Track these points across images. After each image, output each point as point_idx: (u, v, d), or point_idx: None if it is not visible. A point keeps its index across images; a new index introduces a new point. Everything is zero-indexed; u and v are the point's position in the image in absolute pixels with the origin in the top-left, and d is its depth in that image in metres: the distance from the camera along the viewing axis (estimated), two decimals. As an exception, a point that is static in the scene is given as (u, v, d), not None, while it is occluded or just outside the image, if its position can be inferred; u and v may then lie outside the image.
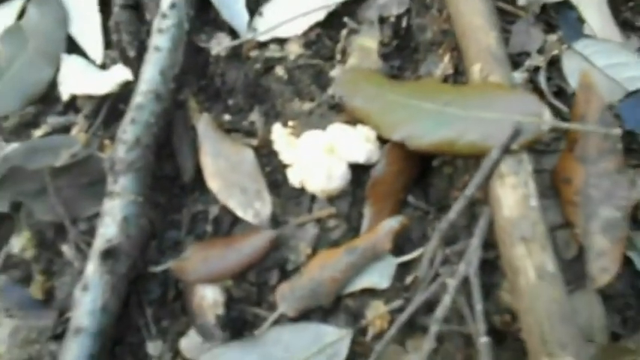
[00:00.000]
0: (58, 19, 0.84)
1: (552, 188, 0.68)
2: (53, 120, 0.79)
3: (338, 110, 0.76)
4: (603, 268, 0.59)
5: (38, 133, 0.78)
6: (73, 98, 0.79)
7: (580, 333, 0.54)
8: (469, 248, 0.62)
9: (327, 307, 0.67)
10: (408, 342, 0.65)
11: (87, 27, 0.83)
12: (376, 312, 0.66)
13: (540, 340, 0.54)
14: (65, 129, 0.78)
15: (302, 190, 0.73)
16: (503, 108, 0.64)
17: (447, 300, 0.60)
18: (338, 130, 0.72)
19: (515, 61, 0.77)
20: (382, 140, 0.70)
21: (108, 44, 0.82)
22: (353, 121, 0.73)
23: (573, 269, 0.63)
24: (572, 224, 0.64)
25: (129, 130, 0.71)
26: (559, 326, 0.54)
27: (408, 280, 0.68)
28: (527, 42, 0.78)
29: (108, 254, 0.65)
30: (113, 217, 0.67)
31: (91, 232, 0.70)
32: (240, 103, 0.79)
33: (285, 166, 0.74)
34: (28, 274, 0.71)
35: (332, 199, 0.71)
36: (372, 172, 0.70)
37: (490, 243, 0.63)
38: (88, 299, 0.64)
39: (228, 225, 0.73)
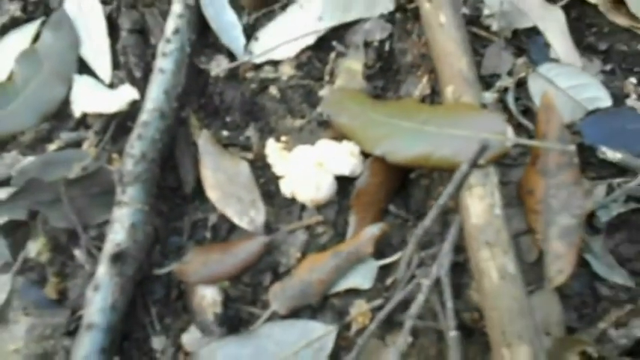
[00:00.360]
0: (70, 43, 0.91)
1: (518, 198, 0.75)
2: (66, 135, 0.86)
3: (326, 127, 0.83)
4: (559, 269, 0.67)
5: (52, 147, 0.85)
6: (84, 115, 0.86)
7: (537, 326, 0.61)
8: (441, 252, 0.69)
9: (315, 306, 0.74)
10: (387, 337, 0.72)
11: (97, 50, 0.90)
12: (359, 310, 0.73)
13: (501, 332, 0.61)
14: (77, 144, 0.85)
15: (293, 200, 0.80)
16: (472, 126, 0.71)
17: (420, 298, 0.67)
18: (326, 145, 0.79)
19: (488, 81, 0.84)
20: (365, 154, 0.78)
21: (116, 65, 0.90)
22: (339, 137, 0.80)
23: (535, 271, 0.70)
24: (534, 231, 0.71)
25: (136, 145, 0.78)
26: (517, 320, 0.61)
27: (388, 281, 0.75)
28: (499, 64, 0.85)
29: (117, 257, 0.72)
30: (122, 224, 0.74)
31: (100, 238, 0.77)
32: (237, 120, 0.87)
33: (277, 178, 0.81)
34: (43, 276, 0.78)
35: (320, 208, 0.78)
36: (356, 184, 0.77)
37: (460, 247, 0.71)
38: (99, 298, 0.71)
39: (226, 231, 0.80)
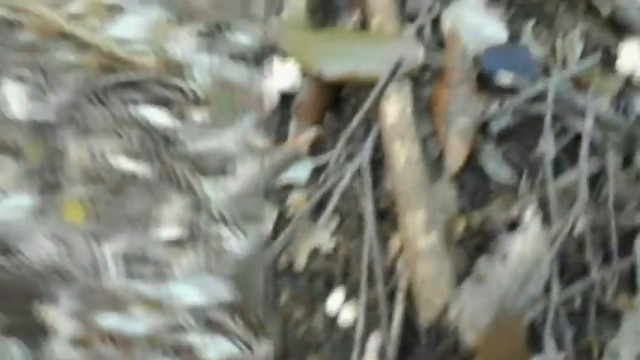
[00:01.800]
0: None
1: (428, 111, 0.91)
2: None
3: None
4: (456, 159, 0.83)
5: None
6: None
7: (435, 201, 0.78)
8: (364, 146, 0.84)
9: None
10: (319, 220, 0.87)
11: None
12: (295, 199, 0.88)
13: (406, 202, 0.77)
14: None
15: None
16: (392, 49, 0.87)
17: (345, 180, 0.82)
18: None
19: (411, 16, 0.99)
20: (304, 74, 0.92)
21: None
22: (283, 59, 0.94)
23: (437, 168, 0.86)
24: (437, 132, 0.87)
25: None
26: (417, 192, 0.77)
27: (321, 179, 0.90)
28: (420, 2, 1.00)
29: None
30: None
31: None
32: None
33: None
34: None
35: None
36: (296, 97, 0.91)
37: (380, 147, 0.86)
38: None
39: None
